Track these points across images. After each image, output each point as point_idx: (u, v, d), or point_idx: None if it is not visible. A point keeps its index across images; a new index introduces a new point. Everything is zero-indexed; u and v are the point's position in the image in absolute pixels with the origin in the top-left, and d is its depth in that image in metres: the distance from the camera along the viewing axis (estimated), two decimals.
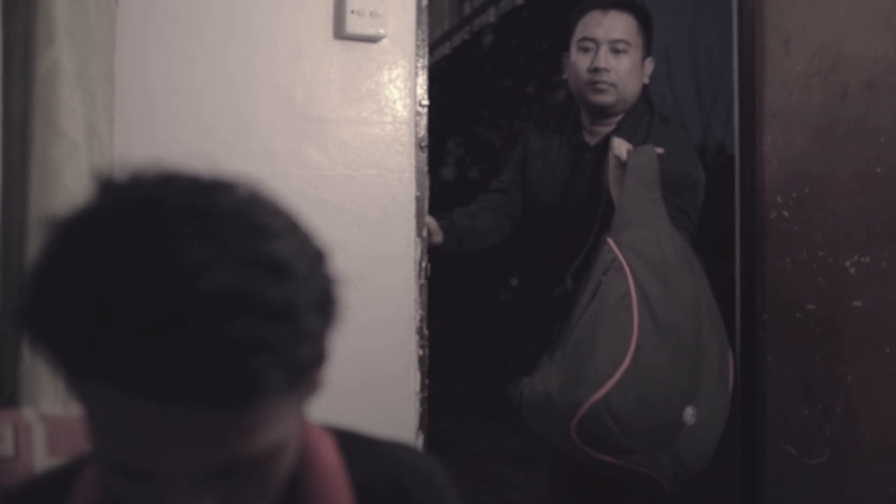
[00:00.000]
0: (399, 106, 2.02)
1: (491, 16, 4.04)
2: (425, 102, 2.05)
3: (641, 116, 2.27)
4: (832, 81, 2.20)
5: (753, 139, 2.42)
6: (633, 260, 1.92)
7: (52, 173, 1.53)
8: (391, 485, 0.85)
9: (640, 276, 1.90)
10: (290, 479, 0.78)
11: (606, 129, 2.29)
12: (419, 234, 2.03)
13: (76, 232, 0.64)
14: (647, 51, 2.29)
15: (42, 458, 1.13)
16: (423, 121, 2.05)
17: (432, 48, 4.35)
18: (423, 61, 2.05)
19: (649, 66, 2.30)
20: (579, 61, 2.25)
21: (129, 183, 0.66)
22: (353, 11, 1.92)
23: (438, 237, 2.23)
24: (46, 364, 0.65)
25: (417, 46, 2.04)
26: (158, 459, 0.65)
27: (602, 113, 2.27)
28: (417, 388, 2.00)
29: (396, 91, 2.02)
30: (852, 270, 2.13)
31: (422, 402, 2.01)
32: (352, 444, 0.86)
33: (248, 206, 0.66)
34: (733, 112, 2.49)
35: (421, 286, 2.02)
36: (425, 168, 2.05)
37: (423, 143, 2.04)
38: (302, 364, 0.65)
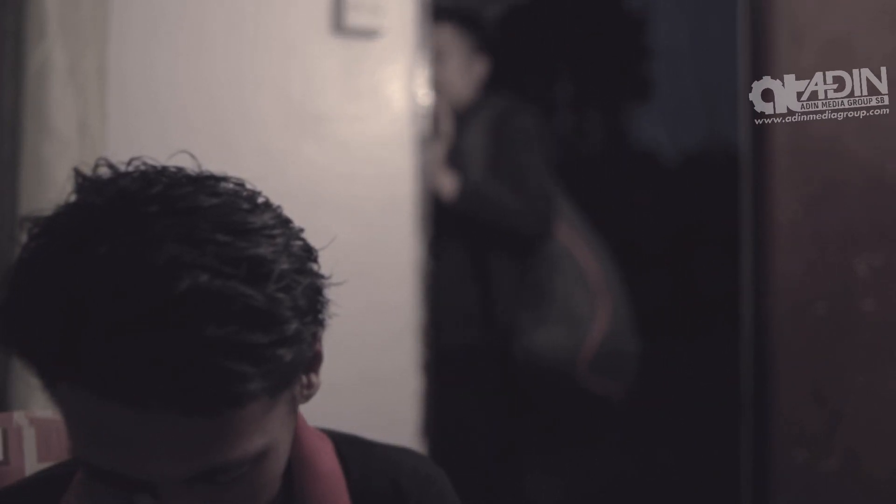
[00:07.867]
0: (399, 103, 2.00)
1: None
2: (426, 99, 2.04)
3: (483, 111, 2.41)
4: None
5: (762, 137, 2.40)
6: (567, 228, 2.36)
7: (43, 170, 1.53)
8: (390, 489, 0.84)
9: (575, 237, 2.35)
10: (286, 484, 0.76)
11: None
12: (419, 232, 2.01)
13: (51, 230, 0.62)
14: (474, 51, 2.43)
15: (33, 463, 1.13)
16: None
17: None
18: (424, 57, 2.04)
19: (479, 65, 2.44)
20: None
21: (107, 180, 0.64)
22: (352, 6, 1.91)
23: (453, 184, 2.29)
24: (22, 367, 0.62)
25: (418, 42, 2.02)
26: (136, 465, 0.62)
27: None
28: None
29: (396, 87, 1.99)
30: (864, 271, 2.12)
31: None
32: (350, 448, 0.85)
33: (230, 204, 0.63)
34: (740, 109, 2.47)
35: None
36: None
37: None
38: (284, 368, 0.62)
